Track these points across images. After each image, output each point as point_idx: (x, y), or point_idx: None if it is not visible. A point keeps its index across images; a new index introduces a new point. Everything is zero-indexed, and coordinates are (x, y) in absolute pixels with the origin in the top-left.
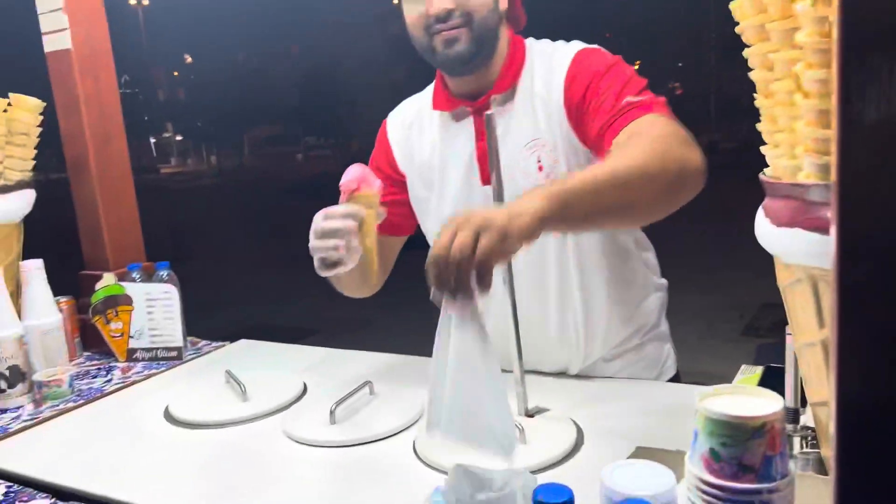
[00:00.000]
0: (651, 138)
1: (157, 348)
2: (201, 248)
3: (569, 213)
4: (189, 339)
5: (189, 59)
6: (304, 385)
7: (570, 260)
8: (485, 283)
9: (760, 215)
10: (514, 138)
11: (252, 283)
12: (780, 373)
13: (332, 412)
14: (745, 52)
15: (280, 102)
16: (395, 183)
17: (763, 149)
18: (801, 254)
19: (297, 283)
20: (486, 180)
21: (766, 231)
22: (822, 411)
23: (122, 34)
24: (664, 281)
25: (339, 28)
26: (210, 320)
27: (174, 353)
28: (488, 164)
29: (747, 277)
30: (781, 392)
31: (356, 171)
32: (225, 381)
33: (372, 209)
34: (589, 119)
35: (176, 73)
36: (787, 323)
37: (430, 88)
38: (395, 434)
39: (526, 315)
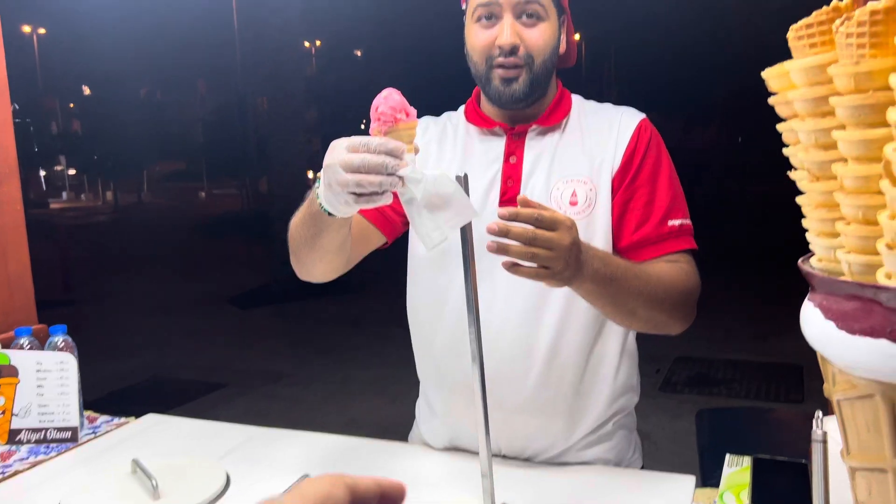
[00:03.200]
0: (689, 287)
1: (47, 429)
2: (95, 290)
3: (599, 294)
4: (84, 414)
5: (87, 91)
6: (227, 476)
7: (574, 319)
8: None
9: (814, 313)
10: (554, 169)
11: (152, 328)
12: (772, 466)
13: None
14: (784, 127)
15: (184, 138)
16: None
17: (810, 237)
18: (884, 370)
19: (200, 329)
20: (503, 203)
21: (827, 336)
22: None
23: (14, 62)
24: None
25: (249, 65)
26: (106, 370)
27: (68, 435)
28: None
29: None
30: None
31: (396, 98)
32: (131, 472)
33: (411, 146)
34: (631, 215)
35: (72, 105)
36: (704, 379)
37: (455, 112)
38: None
39: (505, 375)
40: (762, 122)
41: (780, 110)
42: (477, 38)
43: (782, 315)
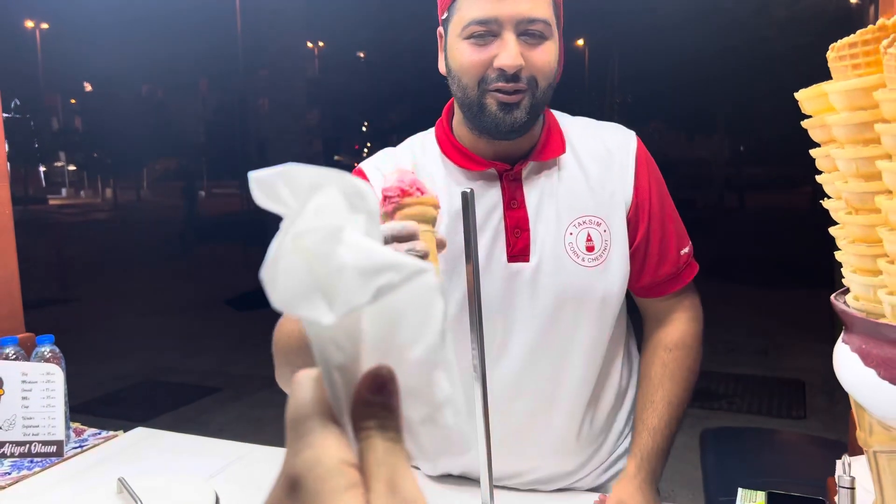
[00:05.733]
0: (699, 340)
1: (31, 442)
2: (91, 289)
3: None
4: (72, 426)
5: (89, 88)
6: (216, 497)
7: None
8: None
9: (851, 358)
10: (562, 211)
11: (146, 329)
12: (788, 502)
13: None
14: (819, 152)
15: (184, 137)
16: None
17: (846, 272)
18: None
19: (195, 332)
20: (513, 256)
21: (866, 384)
22: None
23: (15, 57)
24: None
25: (252, 66)
26: (99, 372)
27: (53, 449)
28: (465, 250)
29: None
30: None
31: (406, 178)
32: (117, 491)
33: (428, 229)
34: (651, 252)
35: (73, 101)
36: (706, 393)
37: (422, 140)
38: None
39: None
40: (764, 133)
41: (815, 135)
42: (468, 57)
43: (784, 329)
